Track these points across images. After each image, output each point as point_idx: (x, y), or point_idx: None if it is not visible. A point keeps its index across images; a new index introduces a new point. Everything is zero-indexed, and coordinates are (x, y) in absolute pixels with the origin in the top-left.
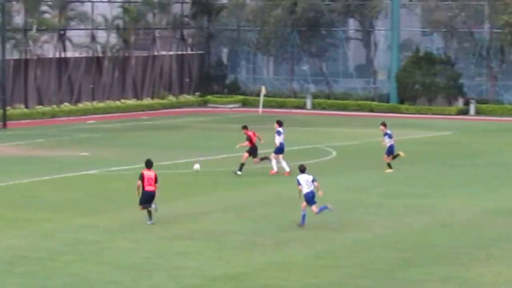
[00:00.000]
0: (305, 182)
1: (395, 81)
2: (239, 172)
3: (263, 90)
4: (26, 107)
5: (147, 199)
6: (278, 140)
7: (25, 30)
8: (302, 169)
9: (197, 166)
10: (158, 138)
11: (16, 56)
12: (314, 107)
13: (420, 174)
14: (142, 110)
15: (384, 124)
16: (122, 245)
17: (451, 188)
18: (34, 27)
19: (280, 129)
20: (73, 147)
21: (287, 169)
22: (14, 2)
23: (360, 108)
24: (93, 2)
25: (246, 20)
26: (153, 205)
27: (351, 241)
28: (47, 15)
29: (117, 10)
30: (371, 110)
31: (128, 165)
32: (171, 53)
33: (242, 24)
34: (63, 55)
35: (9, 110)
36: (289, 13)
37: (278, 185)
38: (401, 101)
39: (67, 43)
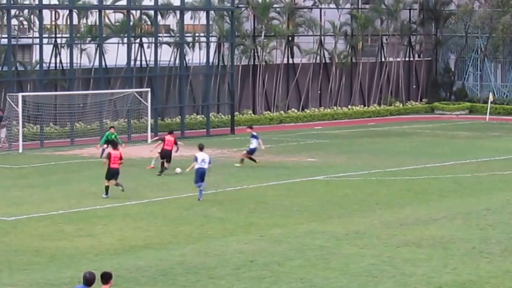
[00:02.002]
0: (201, 159)
1: None
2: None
3: (491, 97)
4: (254, 112)
5: (112, 175)
6: (253, 144)
7: (254, 36)
8: (201, 148)
9: (178, 170)
10: (385, 145)
11: (244, 62)
12: None
13: None
14: (369, 117)
15: None
16: (349, 251)
17: None
18: (263, 33)
19: (255, 133)
20: (300, 152)
21: (178, 170)
22: (243, 9)
23: None
24: (321, 8)
25: (474, 27)
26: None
27: None
28: (275, 22)
29: (345, 17)
30: None
31: (355, 171)
32: (398, 59)
33: (470, 31)
34: (290, 61)
35: (237, 116)
36: None
37: (506, 192)
38: None
39: (295, 49)
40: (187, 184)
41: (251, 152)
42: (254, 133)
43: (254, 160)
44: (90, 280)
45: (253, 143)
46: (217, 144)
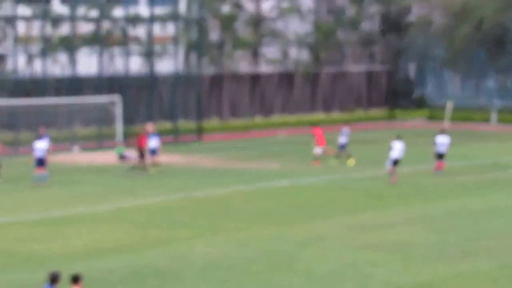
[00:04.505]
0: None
1: None
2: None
3: (449, 105)
4: (221, 120)
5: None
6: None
7: (220, 46)
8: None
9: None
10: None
11: (211, 71)
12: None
13: None
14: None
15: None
16: (312, 255)
17: None
18: (229, 43)
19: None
20: (265, 159)
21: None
22: (210, 19)
23: None
24: (286, 20)
25: (434, 37)
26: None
27: None
28: (241, 32)
29: (308, 27)
30: None
31: (317, 176)
32: (360, 69)
33: (429, 41)
34: (256, 71)
35: (205, 123)
36: (476, 30)
37: (466, 197)
38: None
39: (261, 59)
40: (155, 189)
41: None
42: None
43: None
44: (53, 278)
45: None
46: (185, 150)
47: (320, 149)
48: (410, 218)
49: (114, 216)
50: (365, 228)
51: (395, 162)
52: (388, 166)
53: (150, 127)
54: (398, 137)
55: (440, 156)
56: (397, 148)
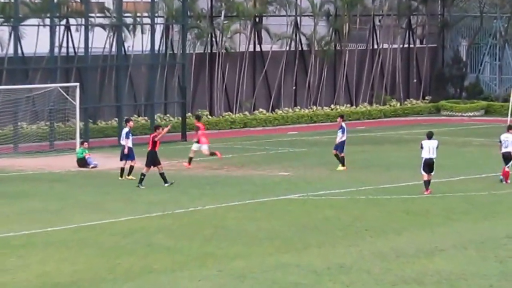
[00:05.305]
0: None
1: None
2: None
3: None
4: (211, 114)
5: None
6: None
7: (212, 17)
8: (429, 136)
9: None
10: (377, 154)
11: (199, 50)
12: None
13: None
14: (358, 119)
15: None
16: None
17: None
18: (223, 13)
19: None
20: (270, 164)
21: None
22: None
23: None
24: None
25: (492, 5)
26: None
27: None
28: None
29: None
30: None
31: (339, 188)
32: (395, 46)
33: (486, 10)
34: (258, 49)
35: (191, 118)
36: None
37: None
38: None
39: (264, 34)
40: (126, 204)
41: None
42: None
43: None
44: None
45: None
46: (165, 153)
47: (200, 146)
48: (460, 242)
49: (73, 240)
50: (401, 255)
51: (429, 166)
52: (422, 171)
53: (132, 123)
54: (430, 134)
55: (508, 159)
56: (430, 147)
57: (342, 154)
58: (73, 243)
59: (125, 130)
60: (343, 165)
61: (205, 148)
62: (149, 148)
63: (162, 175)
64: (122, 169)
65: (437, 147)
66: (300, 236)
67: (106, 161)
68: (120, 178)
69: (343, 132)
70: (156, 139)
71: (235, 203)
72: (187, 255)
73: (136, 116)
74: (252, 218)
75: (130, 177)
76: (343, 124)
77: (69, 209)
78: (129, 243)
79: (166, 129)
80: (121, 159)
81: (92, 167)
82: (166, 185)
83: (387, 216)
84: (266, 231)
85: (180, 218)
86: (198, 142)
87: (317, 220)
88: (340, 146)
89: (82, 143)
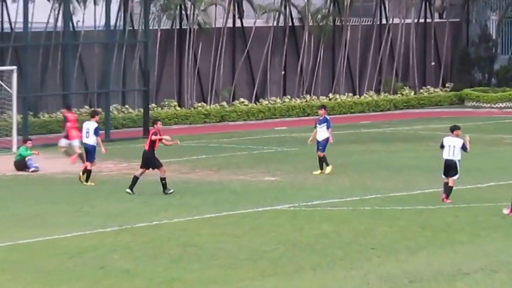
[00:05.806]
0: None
1: None
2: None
3: None
4: (181, 105)
5: None
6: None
7: None
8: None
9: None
10: (387, 155)
11: (165, 25)
12: None
13: None
14: (362, 111)
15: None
16: None
17: None
18: None
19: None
20: (253, 167)
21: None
22: None
23: None
24: None
25: None
26: None
27: None
28: None
29: None
30: None
31: (339, 196)
32: (408, 21)
33: None
34: (238, 24)
35: (155, 110)
36: None
37: None
38: None
39: (246, 6)
40: (75, 217)
41: None
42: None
43: None
44: None
45: None
46: (123, 154)
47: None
48: (489, 264)
49: (7, 261)
50: (416, 280)
51: (449, 168)
52: (443, 175)
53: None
54: (454, 129)
55: None
56: (451, 147)
57: (324, 154)
58: (7, 265)
59: (94, 125)
60: (321, 168)
61: (76, 144)
62: (146, 148)
63: (162, 180)
64: (89, 172)
65: (462, 147)
66: (290, 257)
67: (49, 164)
68: (85, 183)
69: (329, 127)
70: (153, 137)
71: (210, 216)
72: (149, 280)
73: (87, 107)
74: (231, 234)
75: (90, 183)
76: (328, 117)
77: (3, 223)
78: (78, 265)
79: (172, 142)
80: (87, 160)
81: (32, 171)
82: (169, 192)
83: (398, 231)
84: (248, 251)
85: (142, 234)
86: (67, 137)
87: (311, 236)
88: (325, 145)
89: (24, 141)
